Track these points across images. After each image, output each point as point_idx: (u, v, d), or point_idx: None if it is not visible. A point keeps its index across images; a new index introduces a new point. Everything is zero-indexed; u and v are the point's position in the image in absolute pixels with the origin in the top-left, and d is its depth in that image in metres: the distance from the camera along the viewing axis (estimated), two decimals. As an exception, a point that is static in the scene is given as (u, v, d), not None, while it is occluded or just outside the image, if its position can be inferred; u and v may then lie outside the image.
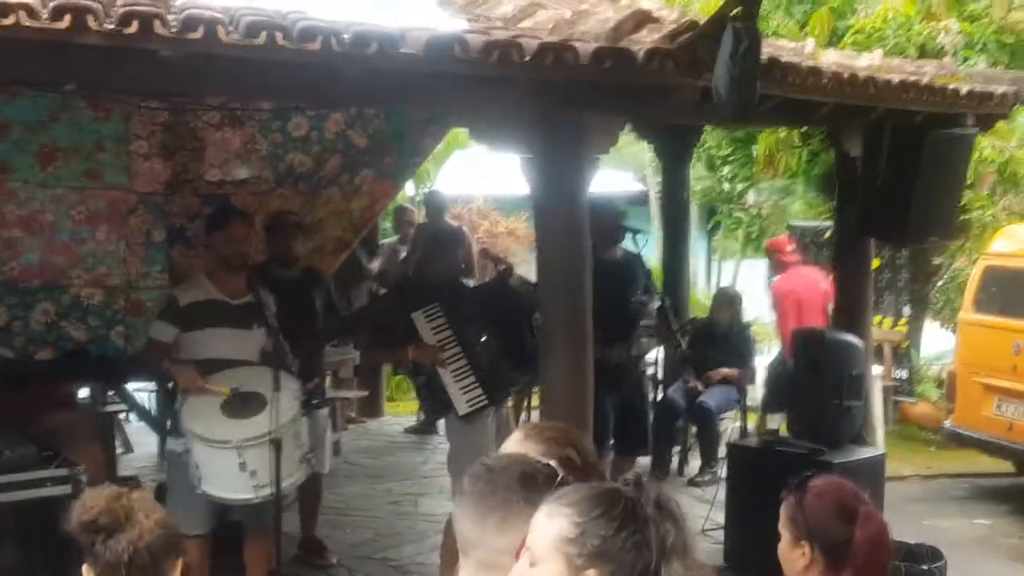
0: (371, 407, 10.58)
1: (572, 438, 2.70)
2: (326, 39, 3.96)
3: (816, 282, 9.77)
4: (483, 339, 5.94)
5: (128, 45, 3.69)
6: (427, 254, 6.62)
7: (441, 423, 7.36)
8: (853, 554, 2.94)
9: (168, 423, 6.18)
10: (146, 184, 6.79)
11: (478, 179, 15.33)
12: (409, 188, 12.44)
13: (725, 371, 8.85)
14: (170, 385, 5.89)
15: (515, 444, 2.65)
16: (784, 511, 3.07)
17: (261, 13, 3.95)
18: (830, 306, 8.86)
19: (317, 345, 6.76)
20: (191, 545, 4.91)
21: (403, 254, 10.29)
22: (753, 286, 16.74)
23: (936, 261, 12.36)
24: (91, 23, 3.57)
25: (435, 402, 6.09)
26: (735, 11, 4.09)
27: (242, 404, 5.17)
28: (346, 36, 3.98)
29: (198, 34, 3.75)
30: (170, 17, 3.71)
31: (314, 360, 6.55)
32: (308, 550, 6.77)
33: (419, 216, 11.12)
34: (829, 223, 11.77)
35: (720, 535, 6.89)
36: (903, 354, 11.60)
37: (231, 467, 5.08)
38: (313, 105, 6.98)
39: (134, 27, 3.64)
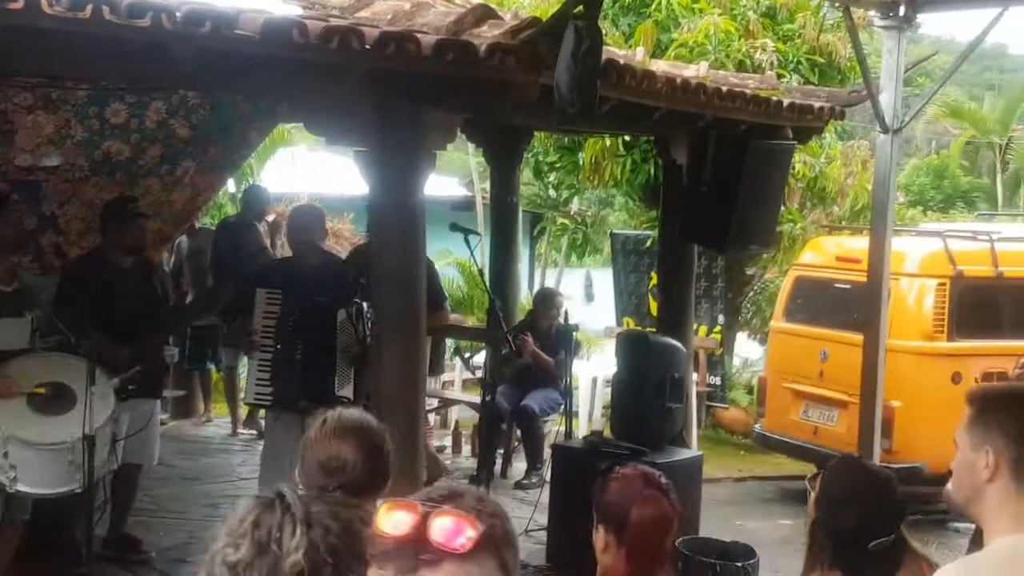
0: (186, 407, 10.22)
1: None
2: (156, 15, 3.79)
3: None
4: (299, 347, 5.80)
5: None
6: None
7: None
8: (631, 532, 3.02)
9: None
10: (-50, 167, 6.44)
11: (302, 177, 15.10)
12: (230, 184, 12.08)
13: (537, 351, 8.80)
14: None
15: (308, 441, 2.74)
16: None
17: (87, -15, 3.76)
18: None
19: (169, 331, 6.55)
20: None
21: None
22: (576, 293, 17.07)
23: (749, 272, 12.79)
24: None
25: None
26: (577, 9, 4.11)
27: (52, 397, 4.97)
28: (178, 14, 3.82)
29: (19, 4, 3.54)
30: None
31: (157, 351, 6.29)
32: (120, 548, 6.41)
33: None
34: (649, 232, 12.07)
35: (543, 536, 6.92)
36: (717, 361, 11.93)
37: (59, 463, 4.91)
38: (133, 91, 6.71)
39: (-53, -7, 3.42)
